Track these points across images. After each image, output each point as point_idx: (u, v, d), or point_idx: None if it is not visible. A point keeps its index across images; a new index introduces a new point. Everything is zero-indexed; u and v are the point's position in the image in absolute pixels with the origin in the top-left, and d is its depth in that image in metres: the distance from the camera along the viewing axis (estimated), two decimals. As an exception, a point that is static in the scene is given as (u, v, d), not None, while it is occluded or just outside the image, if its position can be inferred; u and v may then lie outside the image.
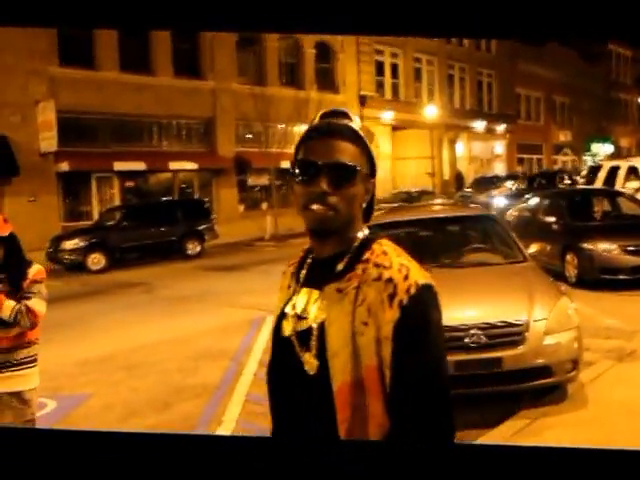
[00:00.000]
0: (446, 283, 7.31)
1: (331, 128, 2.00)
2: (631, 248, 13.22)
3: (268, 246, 26.81)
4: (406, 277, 1.83)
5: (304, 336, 1.96)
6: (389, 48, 43.76)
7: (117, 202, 29.70)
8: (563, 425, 6.42)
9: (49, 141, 27.10)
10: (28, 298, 4.72)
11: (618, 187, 19.50)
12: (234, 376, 8.98)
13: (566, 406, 6.88)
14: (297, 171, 1.99)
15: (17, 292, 4.71)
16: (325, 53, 39.32)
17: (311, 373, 1.91)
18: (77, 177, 28.62)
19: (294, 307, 2.03)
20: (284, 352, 2.02)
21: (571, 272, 13.93)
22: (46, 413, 7.93)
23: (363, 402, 1.83)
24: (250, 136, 34.41)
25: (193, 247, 24.63)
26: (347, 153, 1.95)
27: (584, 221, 15.02)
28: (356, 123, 2.03)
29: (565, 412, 6.73)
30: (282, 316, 2.07)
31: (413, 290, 1.80)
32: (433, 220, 9.75)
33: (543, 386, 6.97)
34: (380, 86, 43.49)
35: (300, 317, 1.99)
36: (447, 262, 8.46)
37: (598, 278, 13.31)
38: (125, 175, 30.45)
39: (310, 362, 1.92)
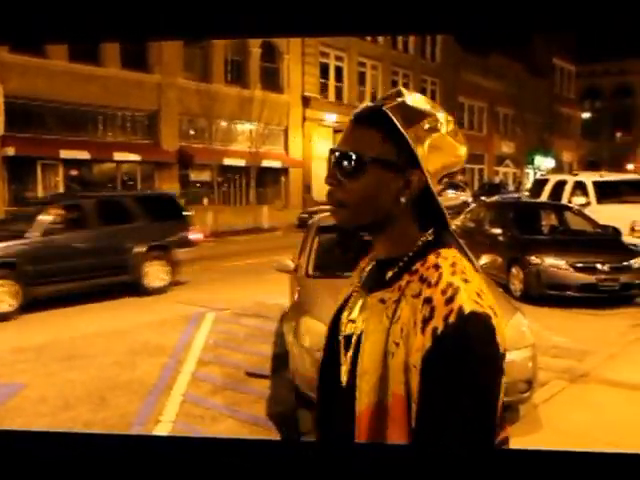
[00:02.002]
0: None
1: (354, 113, 1.72)
2: (580, 265, 13.04)
3: (208, 242, 26.63)
4: (449, 300, 1.52)
5: (347, 343, 1.75)
6: (334, 51, 43.92)
7: (61, 189, 29.38)
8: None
9: (-6, 125, 26.71)
10: None
11: (564, 202, 19.56)
12: (172, 374, 8.91)
13: (519, 428, 6.61)
14: None
15: None
16: (271, 53, 39.30)
17: (343, 385, 1.72)
18: (23, 162, 28.23)
19: (350, 308, 1.81)
20: (333, 352, 1.80)
21: (516, 286, 13.80)
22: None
23: (384, 432, 1.59)
24: (194, 132, 34.28)
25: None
26: (360, 140, 1.67)
27: (531, 234, 14.82)
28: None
29: (518, 435, 6.20)
30: (339, 312, 1.86)
31: (453, 318, 1.49)
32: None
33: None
34: (324, 88, 43.61)
35: (350, 321, 1.78)
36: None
37: (544, 293, 13.17)
38: (70, 163, 30.15)
39: (344, 373, 1.73)
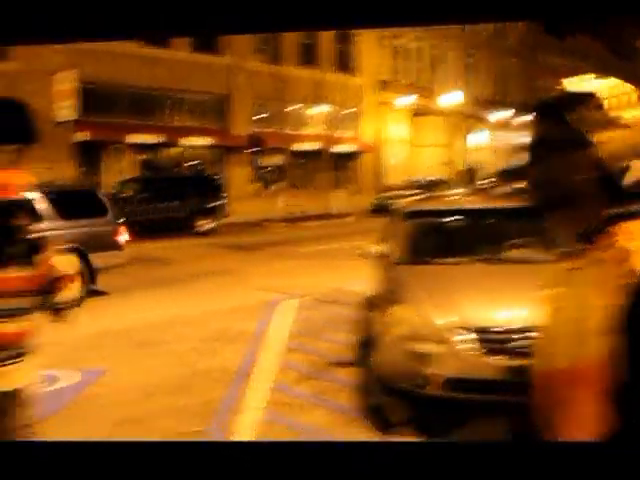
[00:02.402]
0: (488, 280, 7.15)
1: (541, 102, 1.95)
2: None
3: (281, 227, 26.56)
4: (624, 261, 1.66)
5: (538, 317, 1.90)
6: (409, 32, 43.30)
7: (131, 174, 29.56)
8: None
9: (66, 110, 27.10)
10: None
11: None
12: (253, 361, 8.74)
13: None
14: None
15: None
16: (343, 35, 38.91)
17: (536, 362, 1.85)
18: (93, 147, 28.50)
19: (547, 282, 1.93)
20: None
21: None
22: (60, 388, 7.75)
23: (577, 398, 1.67)
24: (265, 115, 34.12)
25: (204, 224, 24.33)
26: (549, 125, 1.86)
27: None
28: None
29: None
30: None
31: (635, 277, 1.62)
32: (474, 211, 8.99)
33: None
34: (397, 71, 43.08)
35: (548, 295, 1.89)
36: (488, 257, 7.80)
37: None
38: (138, 148, 30.33)
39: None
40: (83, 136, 27.85)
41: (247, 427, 6.56)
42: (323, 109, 33.93)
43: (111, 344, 9.73)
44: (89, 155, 29.03)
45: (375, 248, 8.56)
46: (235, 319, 11.10)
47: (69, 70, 26.58)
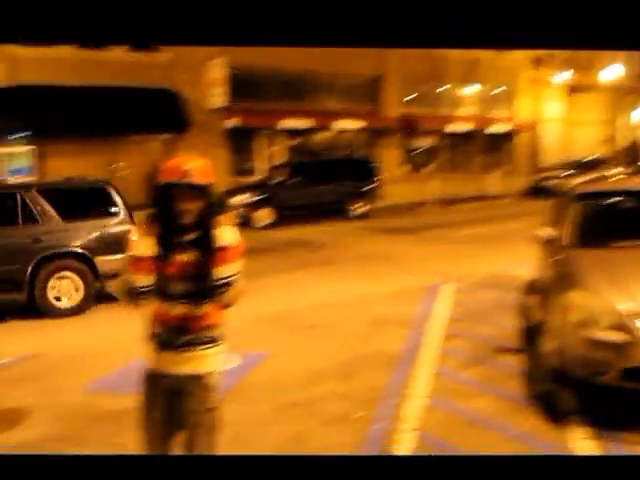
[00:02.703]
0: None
1: None
2: None
3: (434, 211, 26.25)
4: None
5: None
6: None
7: (282, 159, 29.85)
8: None
9: (219, 97, 27.60)
10: None
11: None
12: (418, 346, 8.61)
13: None
14: None
15: (206, 260, 3.97)
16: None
17: None
18: (244, 133, 28.93)
19: None
20: None
21: None
22: (223, 371, 7.85)
23: None
24: (416, 97, 33.75)
25: (359, 207, 24.32)
26: None
27: None
28: None
29: None
30: None
31: None
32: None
33: None
34: (554, 45, 41.51)
35: None
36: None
37: None
38: (291, 132, 30.58)
39: None
40: (234, 122, 28.31)
41: (413, 413, 6.45)
42: (476, 89, 33.19)
43: (270, 328, 9.82)
44: (240, 141, 29.55)
45: (546, 231, 8.23)
46: (394, 303, 11.00)
47: (219, 57, 27.02)
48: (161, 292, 4.03)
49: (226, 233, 4.02)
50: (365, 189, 24.57)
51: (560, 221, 8.06)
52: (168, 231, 3.99)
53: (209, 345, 4.10)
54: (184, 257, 3.98)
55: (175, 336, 4.03)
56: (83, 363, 8.56)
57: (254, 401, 6.96)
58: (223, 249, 3.97)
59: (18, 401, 7.25)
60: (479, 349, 8.40)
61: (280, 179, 23.99)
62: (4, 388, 6.96)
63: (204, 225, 3.97)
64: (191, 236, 3.99)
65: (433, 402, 6.73)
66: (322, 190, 23.64)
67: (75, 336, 10.05)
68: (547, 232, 8.12)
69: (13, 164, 25.32)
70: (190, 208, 3.93)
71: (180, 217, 3.96)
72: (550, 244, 7.95)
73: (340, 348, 8.72)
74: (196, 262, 3.94)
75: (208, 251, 3.92)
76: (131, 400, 6.94)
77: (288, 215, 22.90)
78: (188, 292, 3.99)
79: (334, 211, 23.86)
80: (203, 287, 3.96)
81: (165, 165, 4.05)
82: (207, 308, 4.04)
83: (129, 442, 5.91)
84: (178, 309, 4.00)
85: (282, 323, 10.08)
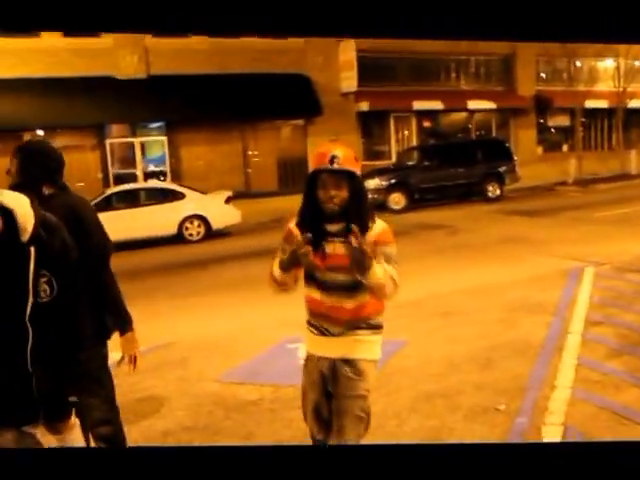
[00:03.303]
0: None
1: None
2: None
3: (572, 191, 25.38)
4: None
5: None
6: None
7: (413, 142, 29.67)
8: None
9: (349, 81, 27.63)
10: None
11: None
12: (559, 334, 8.29)
13: None
14: None
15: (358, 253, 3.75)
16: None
17: None
18: (375, 116, 28.90)
19: None
20: None
21: None
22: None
23: None
24: (552, 73, 32.75)
25: (493, 190, 23.82)
26: None
27: None
28: None
29: None
30: None
31: None
32: None
33: None
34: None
35: None
36: None
37: None
38: (422, 114, 30.36)
39: None
40: (363, 106, 28.28)
41: (559, 406, 6.20)
42: (614, 62, 31.82)
43: (410, 314, 9.64)
44: (372, 125, 29.48)
45: None
46: (534, 288, 10.67)
47: (347, 40, 26.98)
48: (313, 280, 4.07)
49: (376, 226, 4.00)
50: (500, 170, 23.99)
51: None
52: (315, 219, 3.95)
53: (364, 332, 4.12)
54: (333, 247, 3.95)
55: (330, 325, 4.07)
56: (218, 350, 8.67)
57: (397, 390, 6.86)
58: (374, 242, 3.91)
59: (155, 390, 7.39)
60: (627, 338, 8.01)
61: (413, 162, 23.75)
62: (140, 377, 7.09)
63: (351, 216, 3.86)
64: (338, 226, 3.93)
65: (578, 394, 6.45)
66: (456, 173, 23.28)
67: (204, 325, 10.18)
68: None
69: (149, 154, 26.14)
70: (336, 195, 3.87)
71: (327, 205, 3.90)
72: None
73: (482, 336, 8.48)
74: (347, 254, 3.80)
75: (357, 242, 3.70)
76: (263, 391, 7.05)
77: (422, 198, 22.68)
78: (341, 284, 3.99)
79: (469, 194, 23.46)
80: (355, 280, 3.88)
81: (315, 152, 4.04)
82: (361, 300, 4.03)
83: (260, 434, 5.97)
84: (332, 299, 4.02)
85: (422, 309, 9.91)
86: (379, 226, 4.04)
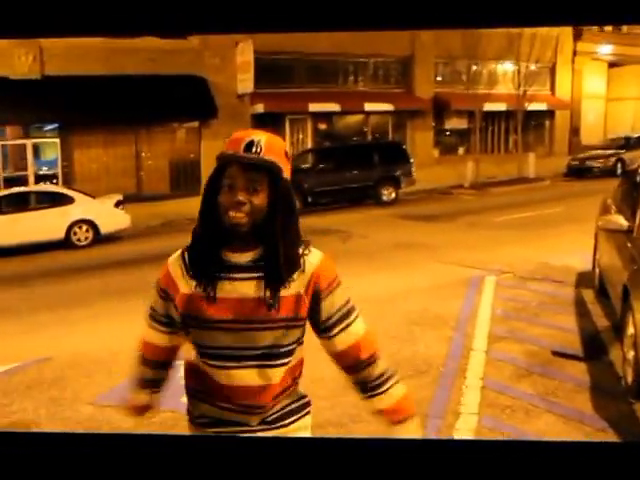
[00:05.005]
0: None
1: None
2: None
3: (468, 194, 25.07)
4: None
5: None
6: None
7: (308, 144, 29.21)
8: None
9: (246, 82, 27.23)
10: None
11: None
12: (462, 352, 7.57)
13: None
14: None
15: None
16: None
17: None
18: (270, 119, 28.22)
19: None
20: None
21: None
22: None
23: None
24: (450, 76, 32.70)
25: (389, 193, 23.26)
26: None
27: None
28: None
29: None
30: None
31: None
32: None
33: None
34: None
35: None
36: None
37: None
38: (317, 117, 29.97)
39: None
40: (259, 108, 27.79)
41: (465, 435, 5.45)
42: (514, 65, 31.76)
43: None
44: (268, 127, 28.76)
45: (614, 220, 7.14)
46: (433, 299, 9.94)
47: (246, 41, 26.34)
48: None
49: (310, 258, 2.69)
50: (397, 173, 23.45)
51: (634, 208, 6.94)
52: (211, 240, 2.52)
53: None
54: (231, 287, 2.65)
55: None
56: (98, 367, 7.75)
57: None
58: (312, 289, 2.66)
59: (24, 414, 6.56)
60: (535, 355, 7.36)
61: (307, 165, 23.05)
62: (9, 398, 6.19)
63: (266, 238, 2.50)
64: (245, 256, 2.53)
65: (486, 422, 5.75)
66: (351, 176, 22.67)
67: (87, 338, 9.17)
68: (616, 221, 7.04)
69: (41, 156, 25.64)
70: (246, 201, 2.40)
71: (230, 215, 2.48)
72: (622, 235, 6.86)
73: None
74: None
75: None
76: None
77: (315, 202, 21.97)
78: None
79: (364, 197, 22.85)
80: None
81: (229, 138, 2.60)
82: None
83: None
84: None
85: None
86: (315, 258, 2.63)
